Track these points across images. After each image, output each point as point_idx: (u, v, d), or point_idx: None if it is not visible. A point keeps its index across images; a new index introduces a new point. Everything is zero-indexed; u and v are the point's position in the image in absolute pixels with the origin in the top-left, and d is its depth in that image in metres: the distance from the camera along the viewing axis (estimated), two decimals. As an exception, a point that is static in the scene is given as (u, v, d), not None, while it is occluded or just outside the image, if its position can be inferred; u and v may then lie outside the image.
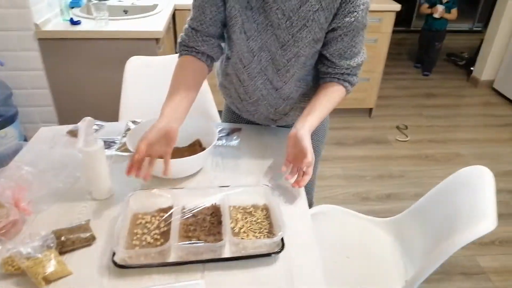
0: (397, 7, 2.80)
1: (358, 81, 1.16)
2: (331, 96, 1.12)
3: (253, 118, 1.35)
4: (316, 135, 1.38)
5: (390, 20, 2.86)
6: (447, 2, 3.82)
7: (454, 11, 3.84)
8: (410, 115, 3.46)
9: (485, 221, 0.92)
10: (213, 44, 1.14)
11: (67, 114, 2.32)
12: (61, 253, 0.88)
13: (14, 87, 2.18)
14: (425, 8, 3.95)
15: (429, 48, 4.11)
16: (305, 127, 1.04)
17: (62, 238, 0.89)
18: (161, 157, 0.99)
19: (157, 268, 0.85)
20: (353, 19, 1.01)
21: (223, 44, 1.21)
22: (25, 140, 2.26)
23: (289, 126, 1.37)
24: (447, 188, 1.21)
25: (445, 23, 3.95)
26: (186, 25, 1.14)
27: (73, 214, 1.01)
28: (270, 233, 0.93)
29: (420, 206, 1.33)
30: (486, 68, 3.92)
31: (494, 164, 2.78)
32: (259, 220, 0.97)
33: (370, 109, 3.35)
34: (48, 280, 0.82)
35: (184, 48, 1.15)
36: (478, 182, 1.08)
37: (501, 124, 3.35)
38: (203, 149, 1.20)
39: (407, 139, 3.07)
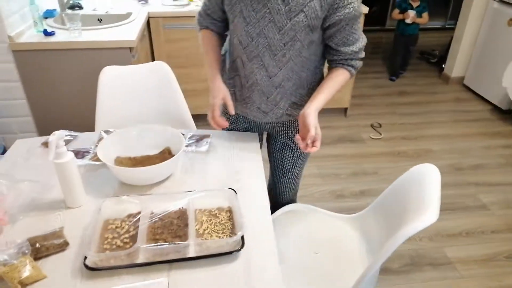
0: (365, 9, 2.90)
1: (361, 64, 1.33)
2: (336, 79, 1.30)
3: (247, 109, 1.43)
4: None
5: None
6: (417, 7, 3.89)
7: (425, 15, 3.91)
8: (384, 113, 3.57)
9: (426, 216, 1.00)
10: (220, 25, 1.40)
11: (46, 124, 2.35)
12: (36, 258, 0.95)
13: (-9, 99, 2.22)
14: (396, 14, 3.99)
15: (404, 53, 4.21)
16: (311, 107, 1.22)
17: (37, 245, 0.96)
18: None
19: (126, 269, 0.92)
20: (351, 9, 1.17)
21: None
22: (5, 150, 2.29)
23: (275, 124, 1.49)
24: (401, 185, 1.30)
25: (417, 28, 4.01)
26: (202, 5, 1.39)
27: (48, 222, 1.07)
28: (232, 233, 1.01)
29: (379, 203, 1.42)
30: (456, 65, 4.06)
31: (463, 159, 2.90)
32: (222, 222, 1.04)
33: (345, 109, 3.45)
34: (24, 284, 0.89)
35: (202, 25, 1.43)
36: (426, 179, 1.17)
37: (471, 119, 3.48)
38: (173, 156, 1.27)
39: (380, 137, 3.18)
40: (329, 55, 1.32)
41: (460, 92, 4.00)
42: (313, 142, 1.18)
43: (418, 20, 3.90)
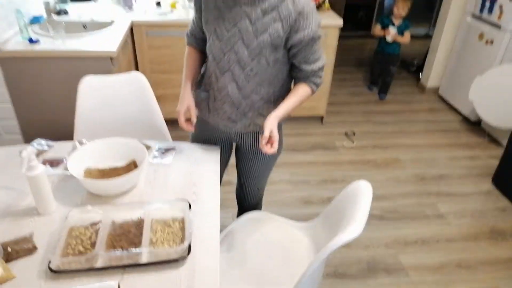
0: (340, 23, 3.05)
1: (321, 81, 1.50)
2: (297, 92, 1.47)
3: (218, 118, 1.58)
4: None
5: (334, 34, 3.10)
6: (399, 25, 3.78)
7: (407, 34, 3.77)
8: (360, 121, 3.72)
9: (351, 229, 1.15)
10: (202, 44, 1.57)
11: (30, 127, 2.47)
12: (7, 261, 1.08)
13: (-23, 102, 2.34)
14: (378, 30, 3.87)
15: (383, 73, 4.10)
16: (272, 114, 1.40)
17: (8, 249, 1.09)
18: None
19: (85, 272, 1.06)
20: (310, 31, 1.36)
21: None
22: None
23: (243, 135, 1.64)
24: (343, 198, 1.45)
25: (398, 47, 3.90)
26: (189, 26, 1.60)
27: (21, 227, 1.20)
28: (183, 242, 1.15)
29: (326, 213, 1.57)
30: (432, 75, 4.23)
31: (428, 169, 3.07)
32: (175, 231, 1.18)
33: (322, 117, 3.59)
34: (-6, 283, 1.02)
35: (188, 43, 1.62)
36: (360, 195, 1.32)
37: (441, 130, 3.65)
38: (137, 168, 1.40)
39: (353, 145, 3.33)
40: (293, 72, 1.51)
41: (434, 103, 4.16)
42: (272, 144, 1.36)
43: (399, 39, 3.79)
